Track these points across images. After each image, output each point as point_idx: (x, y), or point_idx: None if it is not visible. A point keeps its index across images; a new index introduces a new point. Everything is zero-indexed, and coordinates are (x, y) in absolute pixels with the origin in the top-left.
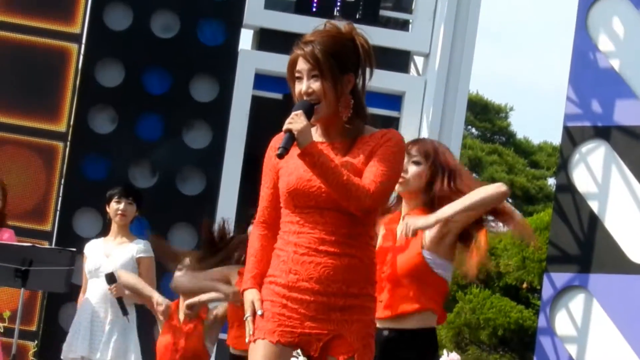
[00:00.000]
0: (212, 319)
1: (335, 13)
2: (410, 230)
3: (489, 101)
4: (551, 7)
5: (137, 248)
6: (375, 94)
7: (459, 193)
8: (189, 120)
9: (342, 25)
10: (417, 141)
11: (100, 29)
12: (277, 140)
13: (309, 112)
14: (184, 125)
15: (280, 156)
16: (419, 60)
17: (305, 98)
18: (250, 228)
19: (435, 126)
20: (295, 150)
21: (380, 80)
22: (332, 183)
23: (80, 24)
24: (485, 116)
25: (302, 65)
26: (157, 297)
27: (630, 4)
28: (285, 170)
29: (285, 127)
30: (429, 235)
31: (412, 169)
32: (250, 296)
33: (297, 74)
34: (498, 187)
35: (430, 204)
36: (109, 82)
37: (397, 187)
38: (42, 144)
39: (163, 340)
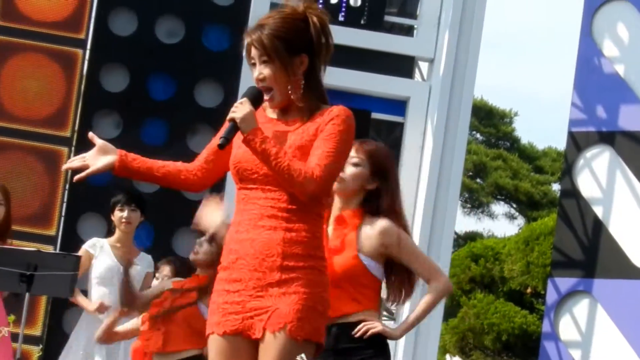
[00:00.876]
0: None
1: (339, 18)
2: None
3: (493, 106)
4: (556, 13)
5: (146, 263)
6: (380, 99)
7: (401, 219)
8: (193, 126)
9: (299, 3)
10: (361, 142)
11: (105, 34)
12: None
13: (256, 98)
14: (189, 131)
15: (222, 147)
16: (423, 66)
17: (258, 85)
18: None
19: (439, 131)
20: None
21: (384, 85)
22: (275, 168)
23: (85, 29)
24: (489, 121)
25: (253, 51)
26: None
27: (635, 9)
28: (236, 143)
29: (228, 116)
30: (368, 244)
31: (350, 170)
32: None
33: (252, 61)
34: (448, 288)
35: (365, 207)
36: (113, 87)
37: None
38: (47, 148)
39: (136, 344)
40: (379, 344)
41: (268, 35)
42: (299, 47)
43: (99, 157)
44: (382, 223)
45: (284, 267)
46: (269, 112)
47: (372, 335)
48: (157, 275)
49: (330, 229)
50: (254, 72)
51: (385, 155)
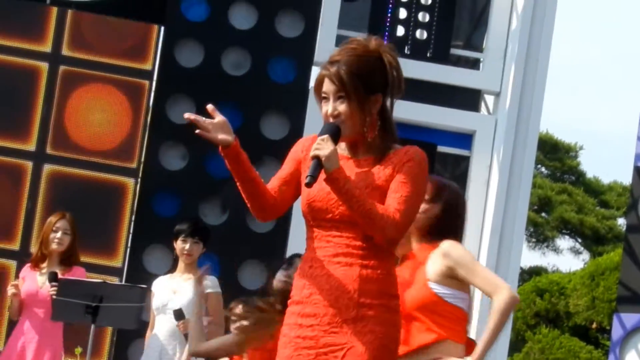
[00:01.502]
0: None
1: (406, 51)
2: None
3: (558, 140)
4: (622, 46)
5: (206, 283)
6: (446, 133)
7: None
8: (260, 158)
9: (371, 41)
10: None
11: (171, 66)
12: (307, 140)
13: (335, 135)
14: (255, 163)
15: (309, 185)
16: (489, 99)
17: (330, 120)
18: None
19: (505, 165)
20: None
21: (451, 118)
22: (357, 211)
23: (152, 61)
24: (554, 155)
25: (328, 86)
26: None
27: None
28: (306, 174)
29: (312, 153)
30: (432, 269)
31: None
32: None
33: (323, 95)
34: (513, 299)
35: (432, 236)
36: (179, 119)
37: None
38: (114, 180)
39: None
40: None
41: (346, 71)
42: (375, 86)
43: (219, 129)
44: (443, 245)
45: (360, 304)
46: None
47: None
48: (231, 317)
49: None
50: (325, 106)
51: (436, 182)
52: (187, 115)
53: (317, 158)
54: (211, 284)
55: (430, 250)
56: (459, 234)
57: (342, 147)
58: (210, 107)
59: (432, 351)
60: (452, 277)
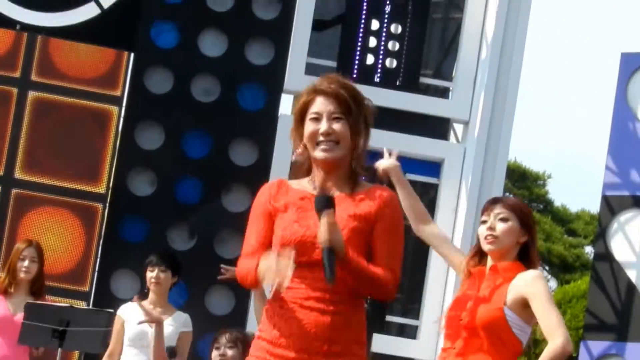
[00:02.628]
0: None
1: (375, 79)
2: None
3: (527, 169)
4: (591, 75)
5: (181, 321)
6: (415, 161)
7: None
8: (228, 184)
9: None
10: (500, 199)
11: (141, 92)
12: (268, 188)
13: (330, 205)
14: (223, 189)
15: (332, 281)
16: (458, 128)
17: (321, 138)
18: None
19: (474, 193)
20: (292, 203)
21: (419, 146)
22: (366, 279)
23: (122, 87)
24: (523, 183)
25: (322, 106)
26: None
27: None
28: (281, 224)
29: (323, 243)
30: (512, 295)
31: (500, 226)
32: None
33: (314, 116)
34: (564, 349)
35: (522, 261)
36: (149, 145)
37: (486, 246)
38: (82, 205)
39: None
40: None
41: (349, 95)
42: (364, 120)
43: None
44: (530, 273)
45: (331, 352)
46: (298, 185)
47: None
48: (216, 345)
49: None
50: (315, 125)
51: (527, 208)
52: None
53: (328, 248)
54: (182, 322)
55: (515, 272)
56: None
57: (309, 187)
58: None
59: None
60: (527, 307)
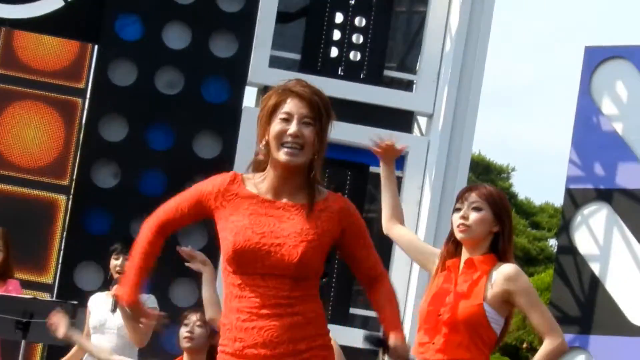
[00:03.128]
0: None
1: (339, 72)
2: None
3: (491, 162)
4: (555, 69)
5: (150, 302)
6: None
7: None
8: (192, 177)
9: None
10: (475, 186)
11: (104, 84)
12: (219, 182)
13: (383, 346)
14: (188, 182)
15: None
16: (422, 121)
17: (289, 139)
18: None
19: (437, 186)
20: (247, 208)
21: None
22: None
23: (85, 79)
24: (487, 176)
25: (295, 107)
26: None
27: (634, 68)
28: (232, 229)
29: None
30: (491, 291)
31: (473, 215)
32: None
33: (284, 115)
34: (562, 349)
35: (494, 252)
36: (112, 137)
37: (458, 234)
38: (45, 197)
39: None
40: None
41: (320, 102)
42: (329, 129)
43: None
44: (509, 268)
45: (297, 351)
46: (251, 184)
47: None
48: (185, 322)
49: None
50: (285, 125)
51: (503, 198)
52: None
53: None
54: (150, 301)
55: (490, 264)
56: (512, 252)
57: (263, 189)
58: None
59: None
60: (506, 302)
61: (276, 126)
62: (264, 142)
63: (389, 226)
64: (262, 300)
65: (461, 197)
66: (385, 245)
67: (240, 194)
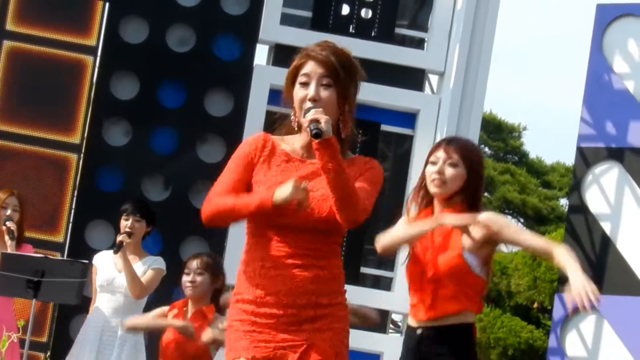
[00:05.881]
0: (216, 333)
1: (351, 30)
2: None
3: (502, 120)
4: (567, 27)
5: (150, 262)
6: (390, 112)
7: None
8: (203, 135)
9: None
10: (453, 141)
11: (115, 42)
12: (254, 140)
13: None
14: (198, 140)
15: (318, 136)
16: (433, 79)
17: (308, 104)
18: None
19: None
20: (276, 163)
21: (394, 97)
22: (342, 183)
23: (96, 37)
24: (498, 135)
25: (313, 69)
26: (177, 324)
27: None
28: (265, 182)
29: (312, 116)
30: (467, 239)
31: (449, 171)
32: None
33: (303, 78)
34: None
35: (465, 203)
36: (123, 95)
37: (433, 189)
38: (56, 155)
39: (166, 337)
40: (467, 354)
41: (338, 62)
42: (353, 86)
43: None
44: (484, 216)
45: (318, 304)
46: (284, 143)
47: (464, 345)
48: (186, 271)
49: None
50: (304, 90)
51: (477, 153)
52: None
53: (316, 121)
54: (157, 260)
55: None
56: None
57: (296, 149)
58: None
59: (454, 319)
60: (486, 245)
61: (298, 93)
62: (294, 110)
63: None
64: (290, 250)
65: (436, 150)
66: (396, 208)
67: (274, 152)
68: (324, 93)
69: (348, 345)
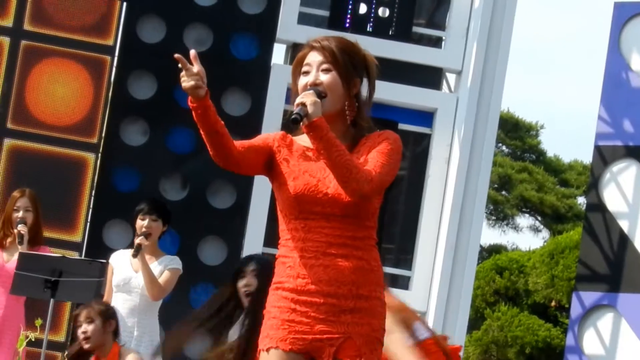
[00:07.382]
0: None
1: (368, 29)
2: None
3: (519, 119)
4: (584, 25)
5: (166, 262)
6: (407, 110)
7: None
8: None
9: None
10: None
11: (133, 42)
12: (273, 134)
13: (319, 96)
14: None
15: (296, 121)
16: (451, 77)
17: (306, 90)
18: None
19: (466, 143)
20: (300, 156)
21: (412, 96)
22: (335, 160)
23: (114, 36)
24: (515, 134)
25: (313, 57)
26: None
27: None
28: (290, 174)
29: (297, 101)
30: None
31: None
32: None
33: (305, 68)
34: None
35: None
36: (141, 95)
37: None
38: (74, 155)
39: None
40: None
41: (337, 47)
42: (357, 70)
43: (196, 79)
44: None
45: (359, 295)
46: (302, 140)
47: None
48: (78, 323)
49: None
50: (305, 79)
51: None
52: (177, 55)
53: (302, 105)
54: (173, 260)
55: None
56: None
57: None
58: (192, 53)
59: None
60: None
61: (300, 82)
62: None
63: None
64: (329, 240)
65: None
66: (410, 225)
67: (293, 146)
68: (324, 77)
69: (383, 343)
